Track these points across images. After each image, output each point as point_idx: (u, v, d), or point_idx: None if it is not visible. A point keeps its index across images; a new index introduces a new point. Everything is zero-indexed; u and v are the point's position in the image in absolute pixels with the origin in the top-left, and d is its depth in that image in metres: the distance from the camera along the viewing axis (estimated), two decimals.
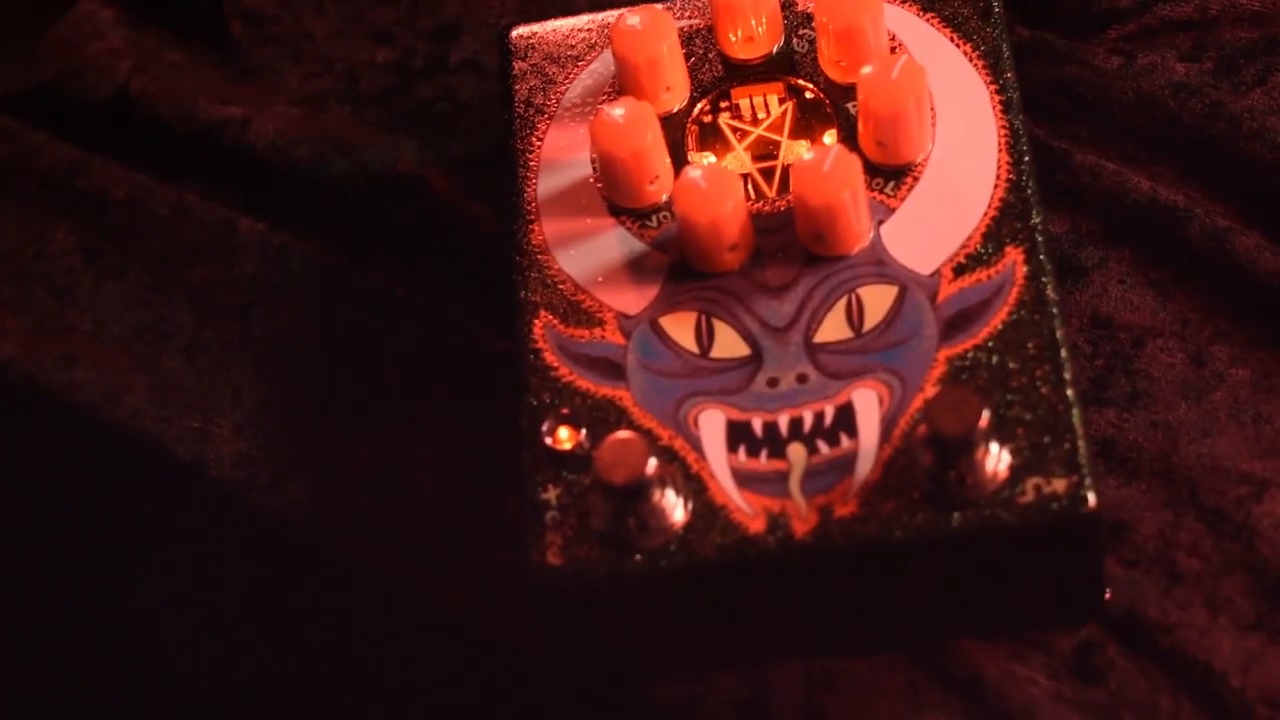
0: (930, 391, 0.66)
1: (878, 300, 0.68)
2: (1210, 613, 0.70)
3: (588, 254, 0.72)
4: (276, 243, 0.84)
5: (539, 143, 0.75)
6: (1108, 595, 0.70)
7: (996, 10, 0.74)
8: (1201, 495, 0.72)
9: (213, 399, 0.81)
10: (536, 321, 0.70)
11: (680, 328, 0.69)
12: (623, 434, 0.65)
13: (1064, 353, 0.66)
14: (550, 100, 0.75)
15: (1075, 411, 0.65)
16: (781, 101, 0.74)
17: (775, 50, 0.75)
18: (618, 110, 0.71)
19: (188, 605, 0.79)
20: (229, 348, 0.82)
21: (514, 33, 0.78)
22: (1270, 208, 0.78)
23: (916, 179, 0.71)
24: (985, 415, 0.63)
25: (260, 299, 0.83)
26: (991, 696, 0.69)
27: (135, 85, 0.89)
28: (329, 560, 0.77)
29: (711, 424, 0.67)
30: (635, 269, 0.71)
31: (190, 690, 0.80)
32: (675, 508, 0.65)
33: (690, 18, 0.76)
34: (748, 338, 0.68)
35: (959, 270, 0.69)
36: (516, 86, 0.76)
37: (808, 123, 0.73)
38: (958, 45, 0.73)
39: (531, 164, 0.74)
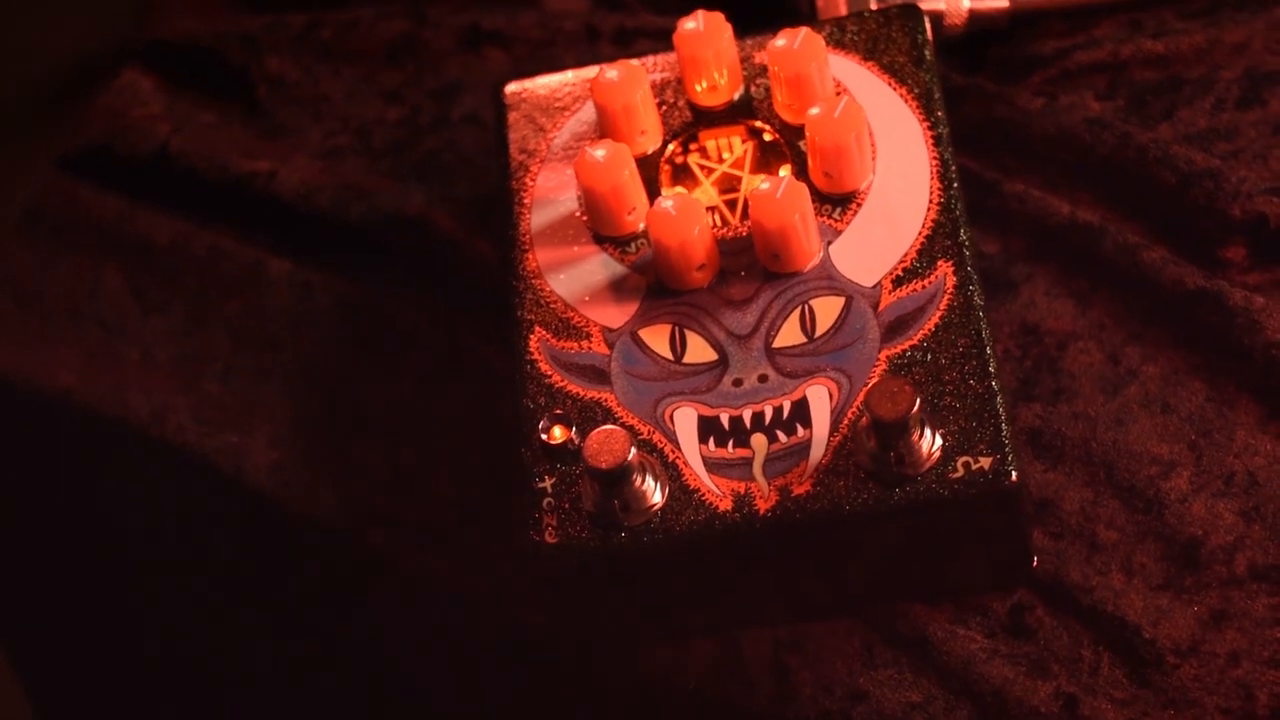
0: None
1: (827, 310, 0.75)
2: (1125, 576, 0.75)
3: (575, 277, 0.77)
4: (302, 279, 0.88)
5: (531, 183, 0.80)
6: (1035, 563, 0.76)
7: (929, 58, 0.80)
8: (1117, 475, 0.77)
9: (249, 416, 0.85)
10: (532, 336, 0.76)
11: (657, 338, 0.75)
12: (607, 426, 0.71)
13: (988, 350, 0.72)
14: (541, 145, 0.81)
15: (999, 399, 0.71)
16: (743, 142, 0.80)
17: (736, 97, 0.80)
18: (599, 151, 0.77)
19: (229, 600, 0.86)
20: (262, 371, 0.86)
21: (508, 88, 0.83)
22: (1174, 225, 0.82)
23: (859, 205, 0.77)
24: (918, 402, 0.69)
25: (289, 328, 0.87)
26: (936, 654, 0.75)
27: (174, 144, 0.93)
28: (354, 555, 0.82)
29: (685, 419, 0.74)
30: (617, 289, 0.77)
31: (229, 675, 0.87)
32: (654, 491, 0.72)
33: (661, 71, 0.81)
34: (715, 345, 0.75)
35: (897, 282, 0.75)
36: (511, 134, 0.81)
37: (766, 160, 0.79)
38: (894, 88, 0.79)
39: (525, 201, 0.80)
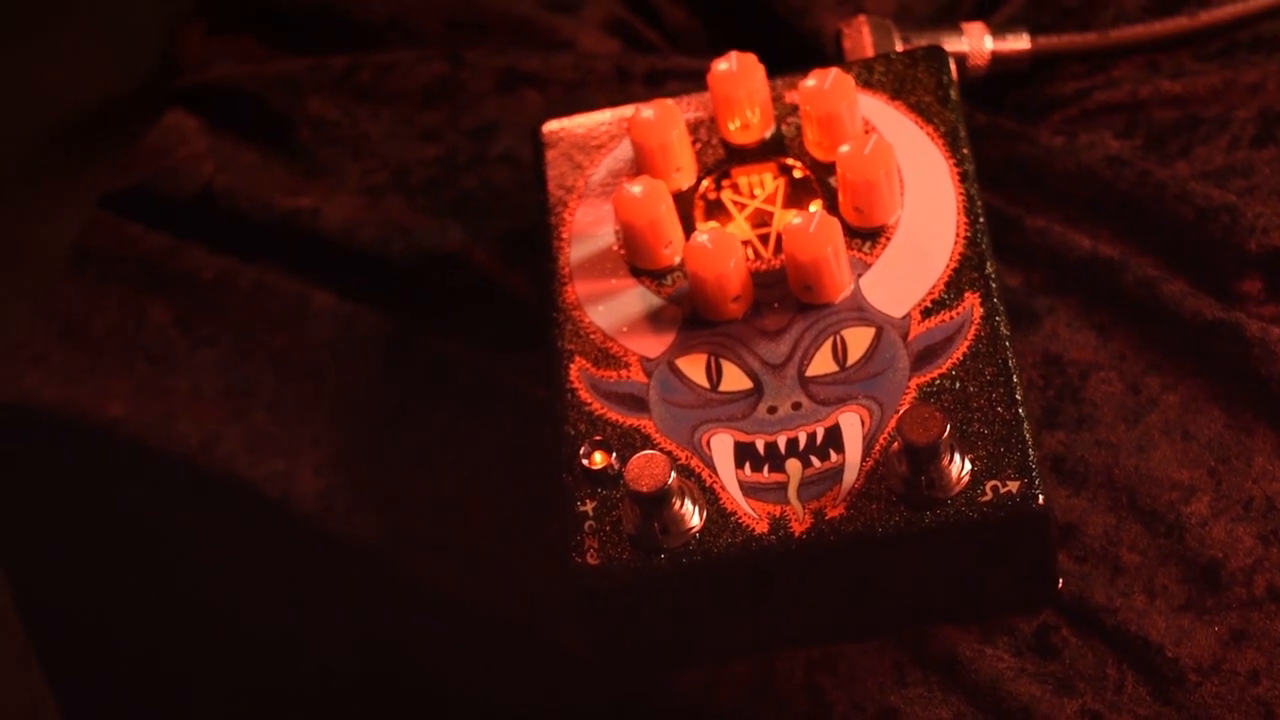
0: None
1: (859, 340, 0.77)
2: (1148, 597, 0.77)
3: (614, 309, 0.80)
4: (345, 312, 0.90)
5: (570, 218, 0.82)
6: (1061, 585, 0.78)
7: (954, 97, 0.82)
8: (1139, 500, 0.79)
9: (295, 445, 0.87)
10: (572, 366, 0.78)
11: (693, 367, 0.77)
12: (648, 451, 0.73)
13: (1015, 378, 0.75)
14: (578, 182, 0.83)
15: (1025, 425, 0.73)
16: (774, 178, 0.82)
17: (768, 135, 0.82)
18: (636, 187, 0.79)
19: (275, 621, 0.88)
20: (307, 402, 0.88)
21: (545, 127, 0.85)
22: (1192, 259, 0.84)
23: (889, 238, 0.79)
24: (948, 427, 0.71)
25: (332, 360, 0.89)
26: (965, 673, 0.77)
27: (218, 183, 0.95)
28: (397, 579, 0.84)
29: (721, 445, 0.76)
30: (654, 320, 0.79)
31: (273, 696, 0.89)
32: (693, 514, 0.74)
33: (695, 110, 0.84)
34: (750, 374, 0.77)
35: (926, 313, 0.77)
36: (549, 172, 0.84)
37: (797, 195, 0.81)
38: (921, 127, 0.81)
39: (564, 236, 0.82)
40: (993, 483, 0.73)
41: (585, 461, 0.76)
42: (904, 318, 0.77)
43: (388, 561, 0.84)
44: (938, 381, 0.76)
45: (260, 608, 0.89)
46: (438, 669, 0.85)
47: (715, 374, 0.78)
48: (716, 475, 0.75)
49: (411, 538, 0.84)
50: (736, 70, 0.82)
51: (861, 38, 0.88)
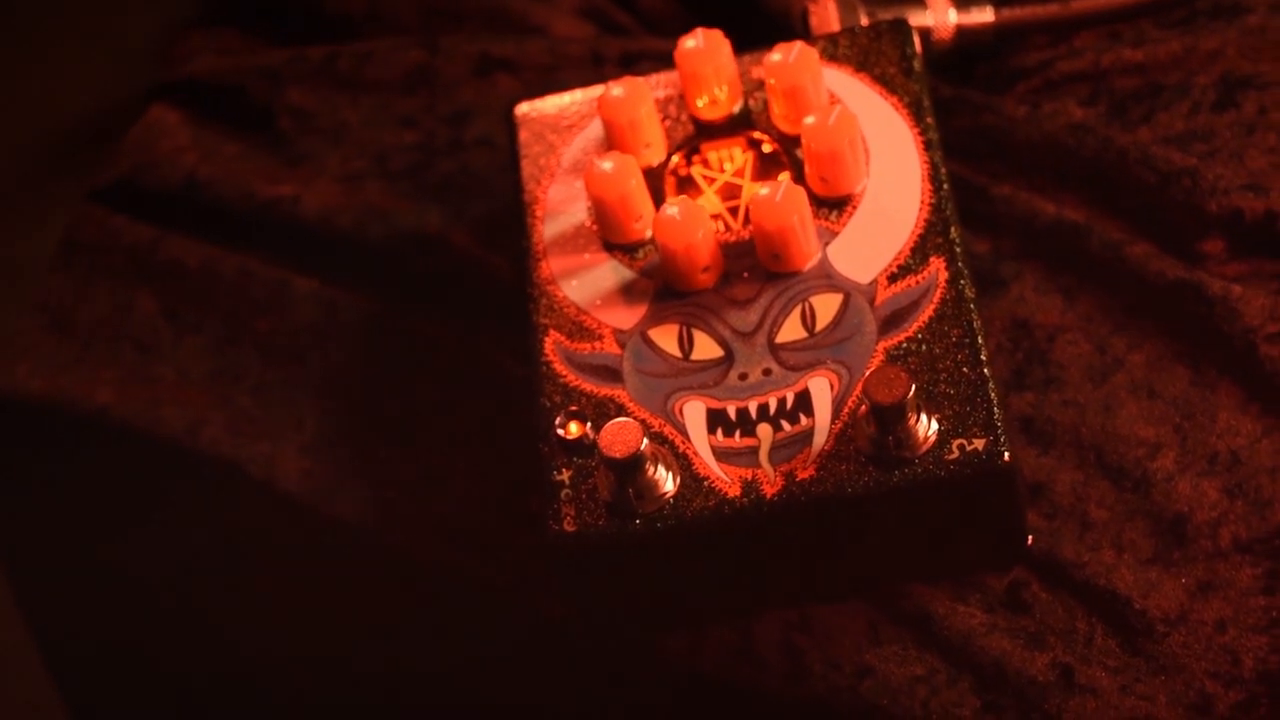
0: None
1: (826, 306, 0.78)
2: (1116, 552, 0.79)
3: (587, 283, 0.81)
4: (327, 296, 0.91)
5: (543, 196, 0.84)
6: (1030, 542, 0.79)
7: (917, 68, 0.83)
8: (1106, 458, 0.80)
9: (279, 426, 0.88)
10: (547, 339, 0.80)
11: (665, 337, 0.79)
12: (621, 419, 0.74)
13: (980, 339, 0.76)
14: (551, 161, 0.85)
15: (990, 385, 0.75)
16: (743, 152, 0.83)
17: (736, 110, 0.84)
18: (606, 163, 0.80)
19: (262, 599, 0.89)
20: (291, 384, 0.89)
21: (518, 109, 0.86)
22: (1155, 222, 0.85)
23: (855, 207, 0.80)
24: (913, 387, 0.72)
25: (316, 343, 0.90)
26: (938, 629, 0.78)
27: (201, 173, 0.96)
28: (382, 554, 0.85)
29: (694, 412, 0.77)
30: (627, 293, 0.80)
31: (261, 670, 0.90)
32: (666, 480, 0.75)
33: (664, 88, 0.85)
34: (721, 342, 0.78)
35: (892, 278, 0.78)
36: (523, 151, 0.85)
37: (766, 169, 0.83)
38: (885, 98, 0.83)
39: (538, 213, 0.83)
40: (959, 441, 0.74)
41: (561, 431, 0.78)
42: (871, 283, 0.79)
43: (372, 537, 0.85)
44: (905, 344, 0.77)
45: (247, 586, 0.90)
46: (422, 641, 0.87)
47: (687, 343, 0.79)
48: (689, 441, 0.77)
49: (395, 513, 0.86)
50: (703, 47, 0.83)
51: (827, 14, 0.90)
